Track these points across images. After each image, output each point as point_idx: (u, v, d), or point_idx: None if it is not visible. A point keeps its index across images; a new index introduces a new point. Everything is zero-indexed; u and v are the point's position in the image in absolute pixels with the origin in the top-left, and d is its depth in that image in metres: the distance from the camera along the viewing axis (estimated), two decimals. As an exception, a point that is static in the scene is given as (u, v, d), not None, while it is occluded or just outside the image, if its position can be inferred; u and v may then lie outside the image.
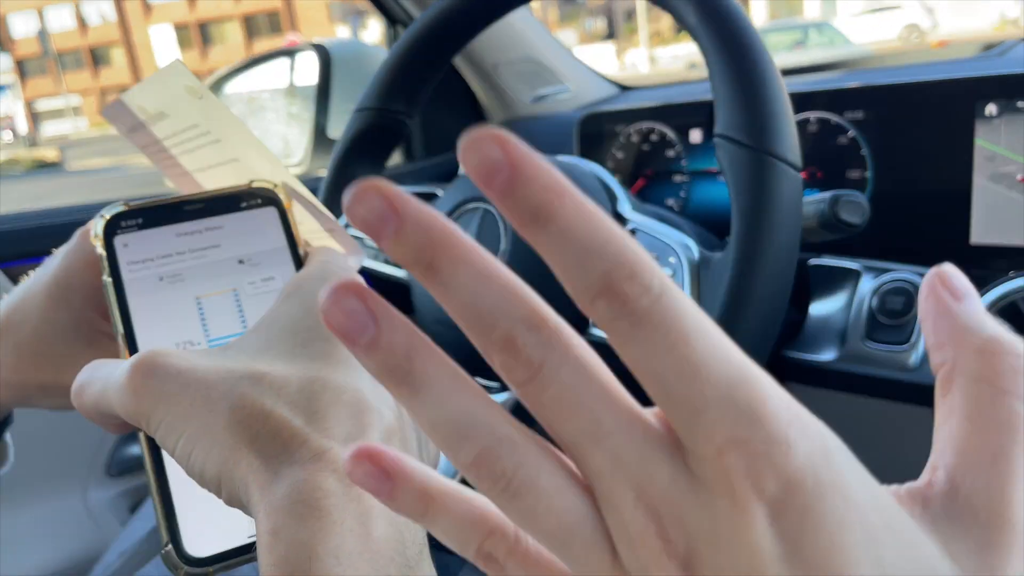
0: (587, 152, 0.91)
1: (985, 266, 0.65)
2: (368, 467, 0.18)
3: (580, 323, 0.60)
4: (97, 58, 38.71)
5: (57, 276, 0.38)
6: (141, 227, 0.34)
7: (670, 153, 0.84)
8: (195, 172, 0.39)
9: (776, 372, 0.70)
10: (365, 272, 0.76)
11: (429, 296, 0.65)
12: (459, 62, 1.06)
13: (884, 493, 0.17)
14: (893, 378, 0.63)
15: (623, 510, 0.16)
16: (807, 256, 0.71)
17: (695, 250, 0.54)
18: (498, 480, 0.17)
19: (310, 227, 0.39)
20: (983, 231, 0.65)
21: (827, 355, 0.66)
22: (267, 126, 1.34)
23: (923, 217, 0.69)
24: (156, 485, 0.30)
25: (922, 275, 0.64)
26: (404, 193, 0.16)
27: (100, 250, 0.33)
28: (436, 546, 0.41)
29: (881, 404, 0.64)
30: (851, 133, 0.72)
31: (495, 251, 0.61)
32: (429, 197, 0.75)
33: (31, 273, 0.40)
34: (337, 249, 0.40)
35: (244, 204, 0.35)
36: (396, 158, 1.14)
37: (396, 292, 0.75)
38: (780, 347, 0.69)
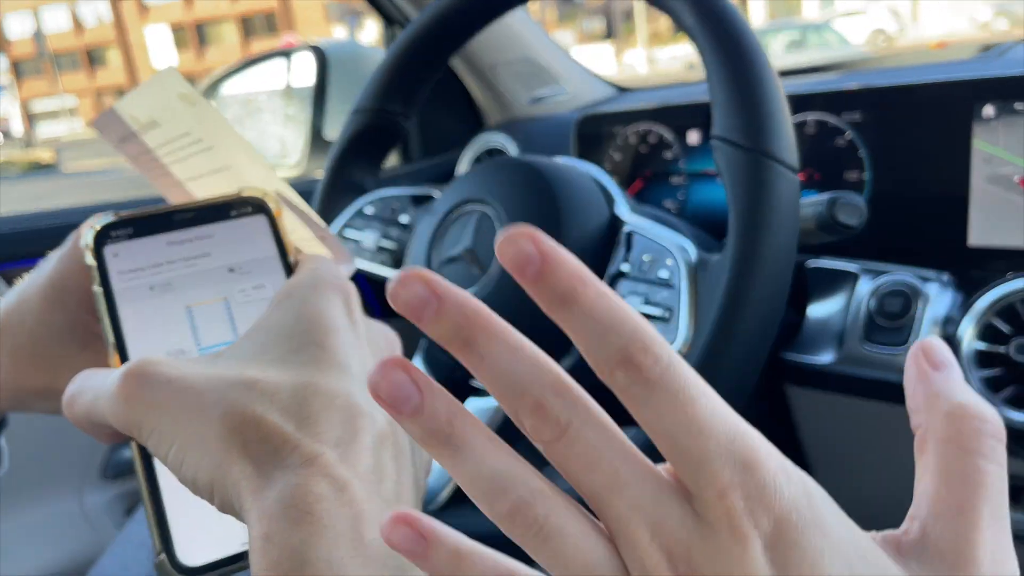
0: (585, 153, 0.91)
1: (983, 268, 0.65)
2: (405, 531, 0.20)
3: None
4: (93, 59, 38.66)
5: (52, 279, 0.38)
6: (131, 236, 0.34)
7: (668, 154, 0.84)
8: (186, 181, 0.39)
9: (774, 374, 0.70)
10: (362, 275, 0.76)
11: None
12: (456, 63, 1.06)
13: (860, 531, 0.21)
14: (891, 380, 0.63)
15: (640, 548, 0.19)
16: (805, 258, 0.71)
17: (692, 252, 0.54)
18: (531, 526, 0.20)
19: (302, 234, 0.39)
20: (981, 233, 0.65)
21: (825, 357, 0.66)
22: (264, 127, 1.34)
23: (921, 219, 0.69)
24: (148, 494, 0.30)
25: (920, 277, 0.64)
26: (443, 280, 0.20)
27: (90, 260, 0.33)
28: None
29: (879, 406, 0.64)
30: (849, 135, 0.72)
31: (492, 253, 0.61)
32: (426, 198, 0.75)
33: (26, 276, 0.40)
34: (328, 256, 0.40)
35: (234, 212, 0.35)
36: (393, 159, 1.14)
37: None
38: (778, 349, 0.69)
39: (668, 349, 0.20)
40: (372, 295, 0.97)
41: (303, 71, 1.22)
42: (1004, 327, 0.59)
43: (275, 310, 0.31)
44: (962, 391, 0.22)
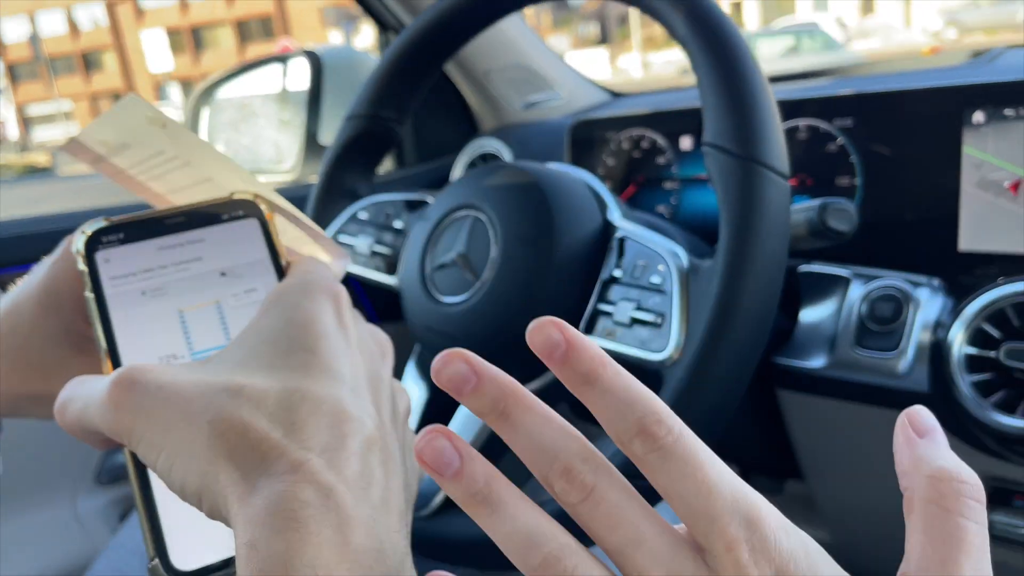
0: (578, 158, 0.91)
1: (973, 273, 0.65)
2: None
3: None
4: (89, 63, 38.61)
5: (45, 285, 0.38)
6: (123, 242, 0.34)
7: (661, 160, 0.84)
8: (168, 194, 0.39)
9: (766, 379, 0.70)
10: (358, 280, 0.76)
11: (419, 304, 0.65)
12: (450, 69, 1.06)
13: None
14: (882, 384, 0.63)
15: None
16: (797, 263, 0.71)
17: (684, 258, 0.55)
18: None
19: (294, 234, 0.39)
20: (971, 238, 0.66)
21: (817, 362, 0.66)
22: (259, 132, 1.34)
23: (912, 224, 0.69)
24: (141, 499, 0.30)
25: (911, 282, 0.65)
26: (481, 359, 0.24)
27: (82, 266, 0.33)
28: (422, 553, 0.41)
29: (870, 410, 0.64)
30: (840, 140, 0.73)
31: (485, 258, 0.61)
32: (420, 204, 0.75)
33: (19, 281, 0.40)
34: (323, 257, 0.40)
35: (225, 216, 0.35)
36: (388, 164, 1.14)
37: (389, 299, 0.75)
38: (770, 354, 0.69)
39: (679, 421, 0.23)
40: (366, 299, 0.97)
41: (299, 76, 1.22)
42: (994, 332, 0.59)
43: (264, 315, 0.31)
44: (944, 456, 0.24)
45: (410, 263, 0.67)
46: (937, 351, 0.61)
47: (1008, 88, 0.64)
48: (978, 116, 0.65)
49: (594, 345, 0.23)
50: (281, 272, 0.35)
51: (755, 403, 0.72)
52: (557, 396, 0.58)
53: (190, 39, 36.58)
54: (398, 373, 0.47)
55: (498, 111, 1.08)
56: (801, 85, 0.87)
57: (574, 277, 0.59)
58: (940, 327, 0.62)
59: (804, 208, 0.58)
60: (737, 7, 27.34)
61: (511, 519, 0.23)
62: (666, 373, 0.52)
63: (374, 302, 0.96)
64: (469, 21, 0.71)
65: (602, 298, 0.58)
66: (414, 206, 0.75)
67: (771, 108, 0.52)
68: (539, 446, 0.23)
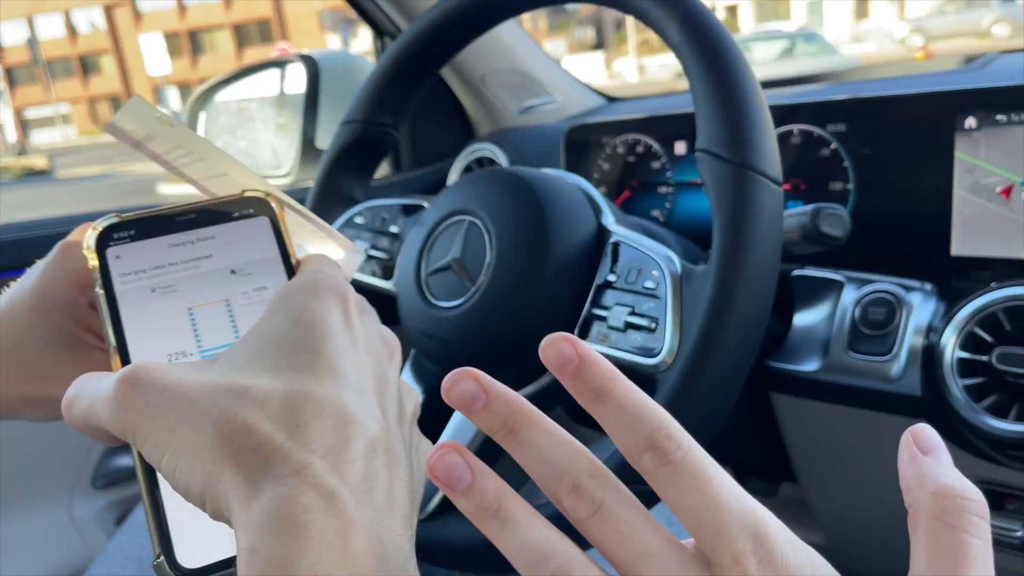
0: (573, 163, 0.91)
1: (966, 277, 0.66)
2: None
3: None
4: (87, 66, 38.59)
5: (39, 288, 0.38)
6: (133, 239, 0.33)
7: (655, 164, 0.85)
8: (200, 180, 0.39)
9: (759, 382, 0.70)
10: (356, 284, 0.76)
11: (414, 308, 0.65)
12: (447, 74, 1.07)
13: None
14: (875, 388, 0.63)
15: None
16: (791, 267, 0.72)
17: (678, 263, 0.55)
18: None
19: (305, 232, 0.39)
20: (963, 243, 0.66)
21: (810, 365, 0.67)
22: (256, 136, 1.34)
23: (904, 229, 0.69)
24: (148, 496, 0.30)
25: (904, 286, 0.65)
26: (490, 377, 0.24)
27: (93, 262, 0.33)
28: (424, 558, 0.41)
29: (863, 414, 0.65)
30: (833, 145, 0.73)
31: (481, 263, 0.61)
32: (416, 208, 0.75)
33: (11, 285, 0.40)
34: (336, 253, 0.40)
35: (236, 214, 0.35)
36: (384, 169, 1.14)
37: (384, 303, 0.75)
38: (764, 357, 0.69)
39: (688, 437, 0.23)
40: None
41: (296, 80, 1.22)
42: (986, 336, 0.59)
43: (271, 314, 0.31)
44: (949, 473, 0.25)
45: (406, 267, 0.67)
46: (930, 355, 0.62)
47: (1000, 93, 0.64)
48: (970, 121, 0.65)
49: (605, 360, 0.24)
50: (291, 271, 0.35)
51: (749, 407, 0.72)
52: (551, 400, 0.58)
53: (188, 43, 36.58)
54: (393, 377, 0.47)
55: (494, 116, 1.09)
56: (795, 90, 0.87)
57: (569, 282, 0.59)
58: (932, 331, 0.62)
59: (797, 213, 0.58)
60: (732, 11, 27.40)
61: (521, 533, 0.23)
62: (660, 378, 0.52)
63: (373, 304, 0.96)
64: (465, 26, 0.71)
65: (596, 303, 0.58)
66: (410, 210, 0.75)
67: (764, 114, 0.52)
68: (548, 463, 0.24)
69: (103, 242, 0.33)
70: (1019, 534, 0.62)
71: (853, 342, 0.65)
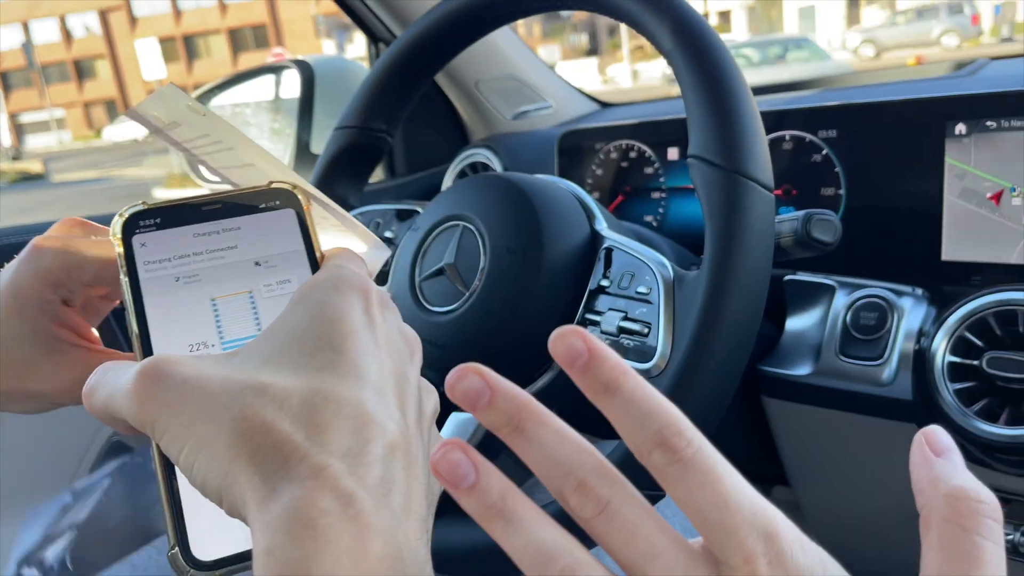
0: (567, 168, 0.92)
1: (956, 282, 0.66)
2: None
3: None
4: (82, 71, 38.53)
5: (11, 288, 0.38)
6: (159, 227, 0.33)
7: (648, 170, 0.85)
8: (223, 170, 0.39)
9: (751, 387, 0.70)
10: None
11: (409, 313, 0.65)
12: (441, 79, 1.07)
13: None
14: (866, 393, 0.64)
15: None
16: (783, 272, 0.72)
17: (670, 268, 0.55)
18: None
19: (330, 226, 0.39)
20: (954, 248, 0.67)
21: (802, 370, 0.67)
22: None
23: (895, 234, 0.70)
24: (165, 488, 0.30)
25: (895, 291, 0.65)
26: (495, 373, 0.23)
27: (118, 248, 0.33)
28: (439, 567, 0.41)
29: (855, 418, 0.65)
30: (825, 151, 0.73)
31: (475, 268, 0.62)
32: (410, 213, 0.76)
33: None
34: (361, 247, 0.40)
35: (262, 206, 0.35)
36: (378, 174, 1.15)
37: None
38: (756, 362, 0.70)
39: (698, 434, 0.23)
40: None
41: (291, 85, 1.22)
42: (977, 340, 0.60)
43: (293, 310, 0.31)
44: (962, 475, 0.25)
45: (400, 273, 0.67)
46: (920, 360, 0.62)
47: (990, 100, 0.65)
48: (960, 127, 0.66)
49: (615, 355, 0.23)
50: (316, 264, 0.35)
51: (742, 411, 0.72)
52: (547, 402, 0.59)
53: (183, 48, 36.55)
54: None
55: (488, 121, 1.09)
56: (786, 96, 0.88)
57: (562, 287, 0.59)
58: (923, 336, 0.63)
59: (789, 219, 0.58)
60: (725, 17, 27.48)
61: (526, 533, 0.23)
62: (653, 382, 0.52)
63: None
64: (459, 33, 0.72)
65: (590, 308, 0.59)
66: (404, 216, 0.75)
67: (755, 120, 0.52)
68: (554, 460, 0.23)
69: (129, 229, 0.33)
70: (1011, 538, 0.62)
71: (844, 346, 0.65)
